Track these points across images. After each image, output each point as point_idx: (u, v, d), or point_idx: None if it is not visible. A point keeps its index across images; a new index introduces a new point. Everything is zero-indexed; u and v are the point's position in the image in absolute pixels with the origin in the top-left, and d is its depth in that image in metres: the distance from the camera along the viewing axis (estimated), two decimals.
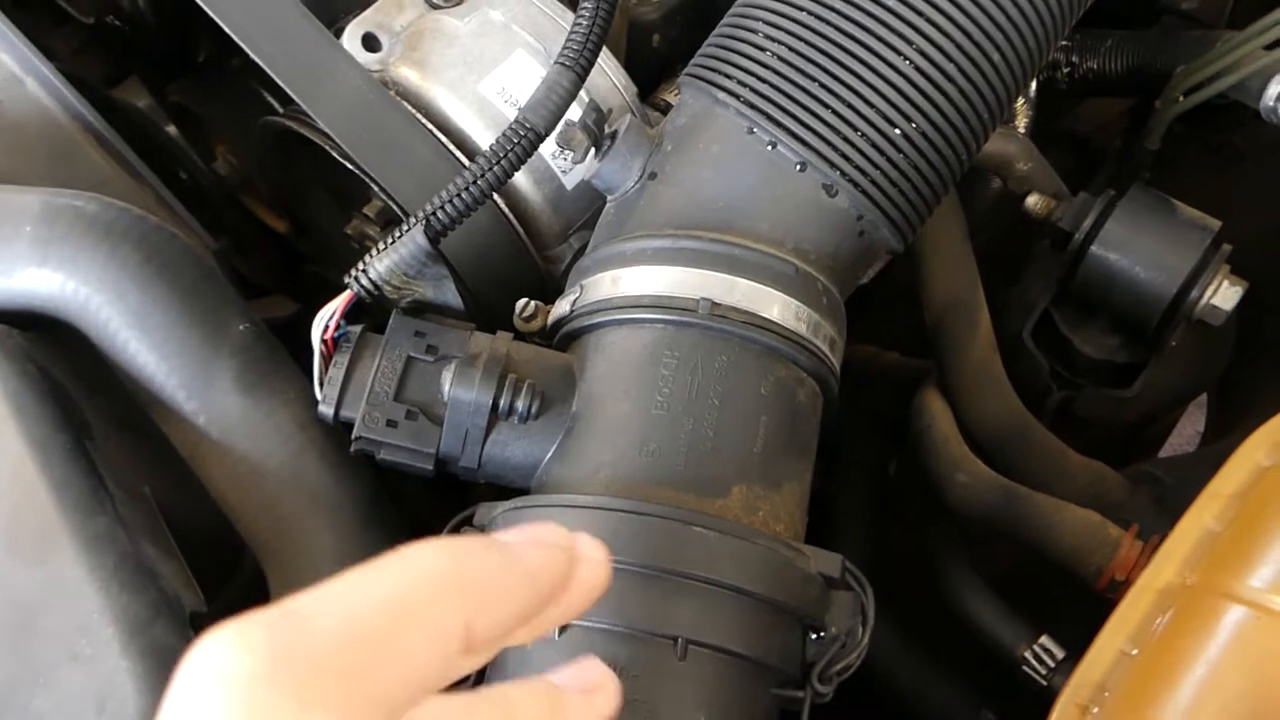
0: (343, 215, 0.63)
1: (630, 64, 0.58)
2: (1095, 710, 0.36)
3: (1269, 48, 0.61)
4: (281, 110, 0.60)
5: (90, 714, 0.34)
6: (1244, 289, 0.57)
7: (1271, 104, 0.60)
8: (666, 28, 0.61)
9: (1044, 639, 0.46)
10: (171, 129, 0.69)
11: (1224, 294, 0.57)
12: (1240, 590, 0.36)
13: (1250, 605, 0.36)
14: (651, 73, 0.61)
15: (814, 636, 0.40)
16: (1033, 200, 0.63)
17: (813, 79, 0.43)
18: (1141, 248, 0.57)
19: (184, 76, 0.68)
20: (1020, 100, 0.70)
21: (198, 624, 0.38)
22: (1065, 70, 0.75)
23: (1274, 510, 0.38)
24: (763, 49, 0.44)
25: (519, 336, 0.46)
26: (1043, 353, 0.63)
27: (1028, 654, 0.47)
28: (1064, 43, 0.74)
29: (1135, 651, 0.37)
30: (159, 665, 0.35)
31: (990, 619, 0.50)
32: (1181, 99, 0.66)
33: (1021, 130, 0.71)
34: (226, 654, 0.23)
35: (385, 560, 0.26)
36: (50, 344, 0.44)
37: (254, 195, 0.72)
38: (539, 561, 0.28)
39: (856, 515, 0.60)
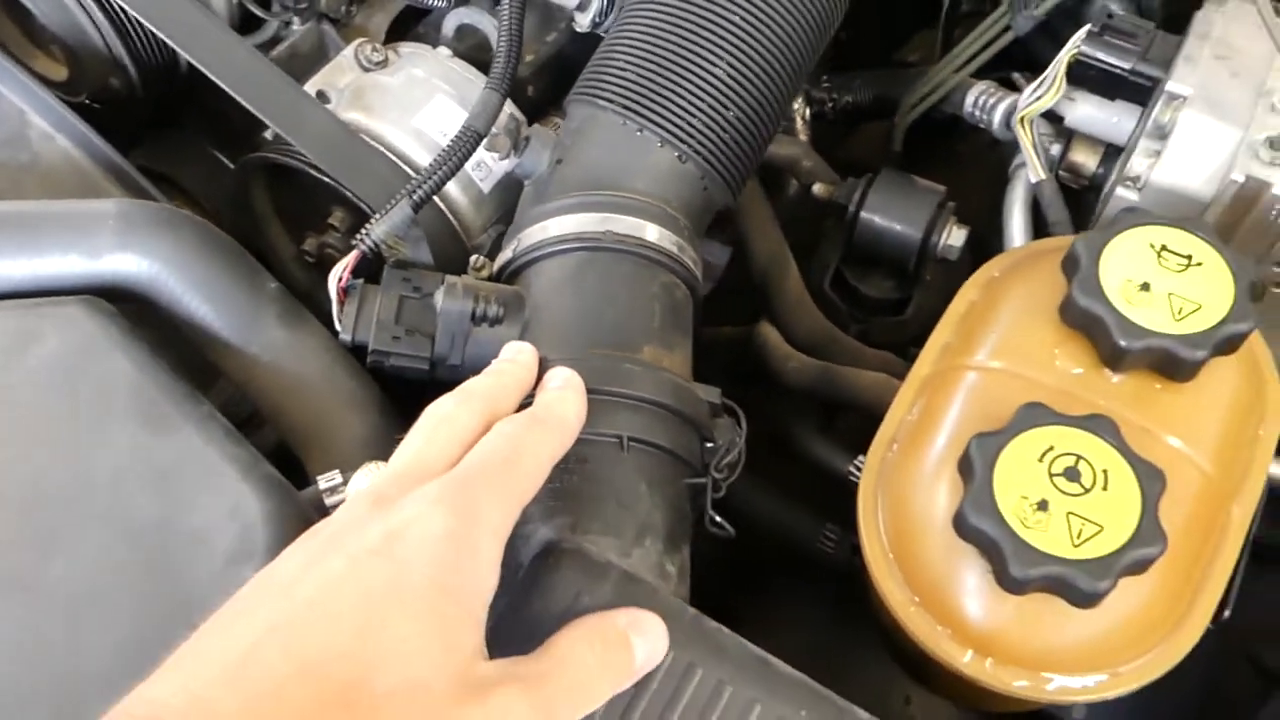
0: (295, 240, 0.79)
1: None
2: (890, 454, 0.57)
3: (958, 71, 0.87)
4: (231, 159, 0.76)
5: (227, 520, 0.49)
6: (968, 231, 0.81)
7: (970, 110, 0.86)
8: (537, 81, 0.82)
9: (860, 457, 0.66)
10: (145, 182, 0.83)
11: (955, 235, 0.81)
12: (970, 363, 0.57)
13: (978, 369, 0.57)
14: (529, 114, 0.81)
15: (707, 445, 0.59)
16: (818, 188, 0.86)
17: (663, 85, 0.64)
18: (894, 209, 0.81)
19: (141, 144, 0.83)
20: (801, 122, 0.94)
21: None
22: (830, 105, 1.00)
23: (984, 319, 0.59)
24: (625, 70, 0.65)
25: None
26: (839, 298, 0.86)
27: (851, 467, 0.67)
28: (825, 84, 1.00)
29: (909, 417, 0.58)
30: (269, 486, 0.51)
31: (824, 450, 0.71)
32: (910, 113, 0.91)
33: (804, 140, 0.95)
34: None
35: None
36: (129, 314, 0.59)
37: None
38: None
39: None
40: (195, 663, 0.38)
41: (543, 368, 0.55)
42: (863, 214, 0.81)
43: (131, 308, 0.59)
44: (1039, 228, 0.77)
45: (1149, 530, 0.47)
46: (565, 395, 0.51)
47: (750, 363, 0.78)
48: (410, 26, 0.85)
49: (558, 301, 0.60)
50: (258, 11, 0.76)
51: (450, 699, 0.38)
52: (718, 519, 0.57)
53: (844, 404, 0.71)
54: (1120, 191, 0.67)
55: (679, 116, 0.64)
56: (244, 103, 0.66)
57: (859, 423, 0.68)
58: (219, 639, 0.39)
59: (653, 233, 0.62)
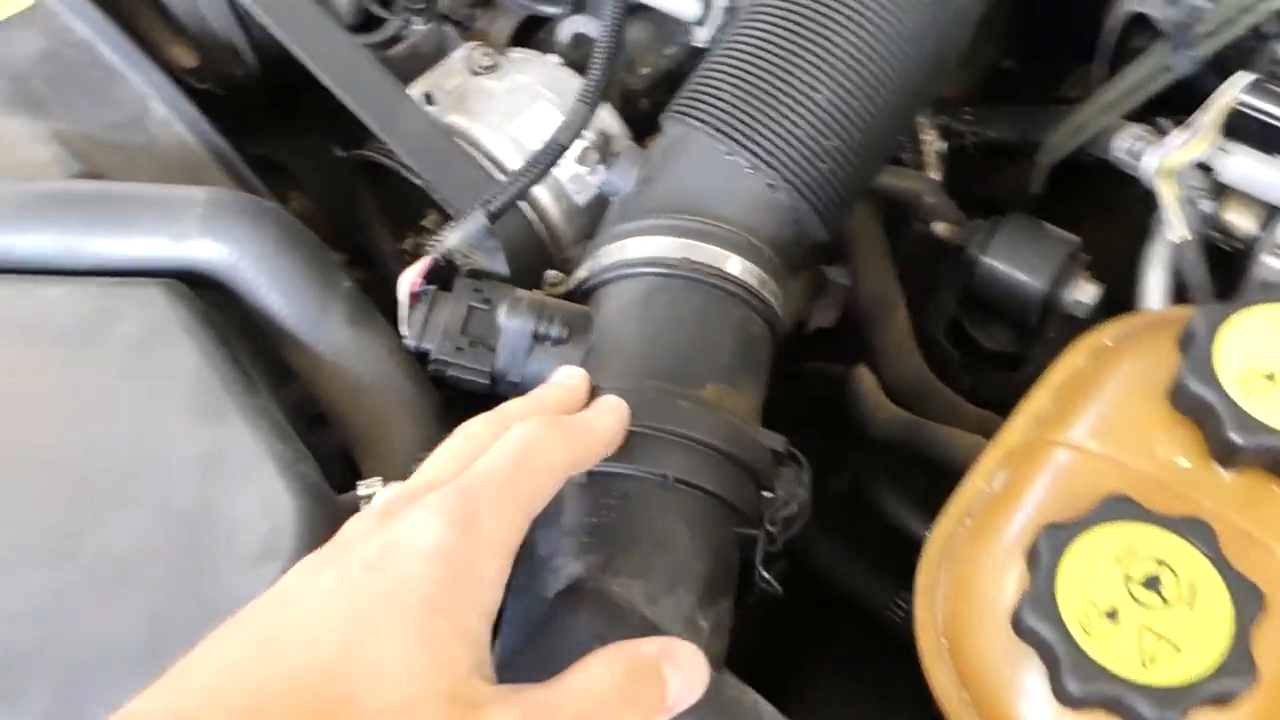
0: (397, 237, 0.80)
1: (625, 120, 0.77)
2: (960, 530, 0.52)
3: (1110, 111, 0.80)
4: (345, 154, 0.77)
5: (260, 516, 0.49)
6: (1101, 289, 0.75)
7: (1118, 155, 0.79)
8: (651, 94, 0.80)
9: None
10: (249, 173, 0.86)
11: (1085, 291, 0.75)
12: (1063, 439, 0.52)
13: (1070, 447, 0.51)
14: (641, 128, 0.79)
15: (765, 495, 0.55)
16: (939, 227, 0.80)
17: (759, 109, 0.61)
18: (1019, 256, 0.75)
19: (263, 134, 0.85)
20: (932, 156, 0.89)
21: None
22: (971, 139, 0.94)
23: (1085, 390, 0.54)
24: (722, 89, 0.62)
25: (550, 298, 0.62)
26: (954, 348, 0.80)
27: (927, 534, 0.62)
28: (968, 117, 0.94)
29: (987, 489, 0.53)
30: (305, 487, 0.50)
31: (902, 512, 0.66)
32: (1052, 154, 0.84)
33: (935, 178, 0.89)
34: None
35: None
36: (205, 298, 0.60)
37: (319, 233, 0.88)
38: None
39: None
40: (184, 677, 0.37)
41: (594, 395, 0.53)
42: (984, 259, 0.76)
43: (216, 295, 0.60)
44: (1181, 293, 0.70)
45: (1236, 661, 0.41)
46: (600, 413, 0.48)
47: (844, 408, 0.74)
48: (533, 34, 0.85)
49: (623, 327, 0.58)
50: (377, 10, 0.76)
51: (439, 718, 0.36)
52: (766, 575, 0.54)
53: (932, 463, 0.66)
54: (1267, 259, 0.60)
55: (772, 141, 0.60)
56: (342, 98, 0.66)
57: (948, 485, 0.63)
58: (211, 653, 0.38)
59: (733, 264, 0.59)
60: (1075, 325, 0.77)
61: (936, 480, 0.72)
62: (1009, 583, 0.48)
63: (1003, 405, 0.76)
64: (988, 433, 0.67)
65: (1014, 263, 0.75)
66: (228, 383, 0.54)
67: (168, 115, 0.70)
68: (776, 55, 0.62)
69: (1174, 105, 0.81)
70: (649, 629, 0.47)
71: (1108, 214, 0.92)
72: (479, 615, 0.39)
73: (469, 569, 0.39)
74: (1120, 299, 0.76)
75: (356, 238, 0.83)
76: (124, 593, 0.48)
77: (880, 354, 0.74)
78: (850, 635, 0.69)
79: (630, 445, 0.52)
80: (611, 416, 0.49)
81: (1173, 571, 0.43)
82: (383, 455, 0.58)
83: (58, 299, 0.57)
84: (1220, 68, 0.75)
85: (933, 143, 0.89)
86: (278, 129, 0.84)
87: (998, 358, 0.79)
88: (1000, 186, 1.00)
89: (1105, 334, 0.57)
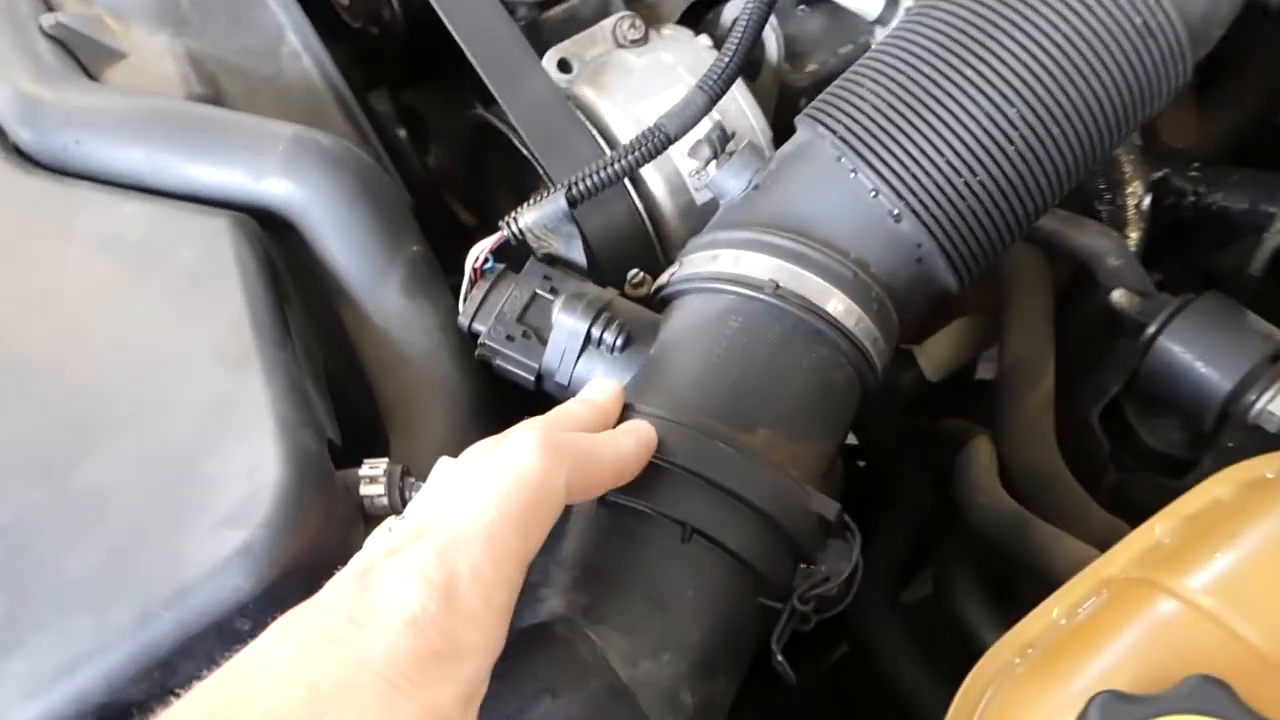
0: (516, 201, 0.76)
1: (778, 120, 0.69)
2: (1018, 662, 0.43)
3: None
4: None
5: (243, 476, 0.46)
6: None
7: None
8: (813, 94, 0.72)
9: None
10: (401, 132, 0.84)
11: (1279, 403, 0.62)
12: (1174, 586, 0.42)
13: (1181, 599, 0.41)
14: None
15: (804, 567, 0.48)
16: (1118, 294, 0.69)
17: (896, 125, 0.52)
18: (1204, 344, 0.62)
19: (415, 84, 0.83)
20: (1133, 211, 0.76)
21: (331, 448, 0.50)
22: (1191, 199, 0.81)
23: (1218, 530, 0.43)
24: (863, 98, 0.54)
25: (626, 298, 0.56)
26: (1108, 438, 0.68)
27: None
28: (1194, 173, 0.81)
29: (1064, 621, 0.43)
30: (296, 454, 0.47)
31: (977, 618, 0.56)
32: None
33: (1133, 239, 0.77)
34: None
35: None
36: (275, 236, 0.57)
37: (453, 191, 0.86)
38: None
39: (893, 538, 0.67)
40: None
41: (626, 416, 0.47)
42: (1161, 339, 0.64)
43: (286, 236, 0.57)
44: None
45: None
46: (615, 437, 0.43)
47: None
48: (706, 12, 0.78)
49: (686, 346, 0.51)
50: None
51: None
52: (780, 659, 0.46)
53: (1030, 570, 0.56)
54: None
55: (904, 164, 0.52)
56: (467, 53, 0.63)
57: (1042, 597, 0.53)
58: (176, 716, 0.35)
59: (830, 298, 0.51)
60: (1264, 439, 0.64)
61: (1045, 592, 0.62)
62: None
63: (1149, 515, 0.64)
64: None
65: (1198, 351, 0.63)
66: (260, 330, 0.51)
67: (299, 49, 0.68)
68: (931, 66, 0.53)
69: None
70: (609, 696, 0.41)
71: None
72: (453, 692, 0.35)
73: (444, 642, 0.35)
74: None
75: (483, 202, 0.80)
76: (94, 528, 0.46)
77: (1008, 428, 0.64)
78: None
79: (651, 481, 0.45)
80: (629, 444, 0.43)
81: None
82: (411, 435, 0.54)
83: (134, 216, 0.57)
84: None
85: (1138, 195, 0.77)
86: (430, 84, 0.82)
87: (1159, 458, 0.67)
88: (1217, 263, 0.87)
89: (1268, 465, 0.46)
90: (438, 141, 0.82)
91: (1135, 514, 0.65)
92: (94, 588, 0.45)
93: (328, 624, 0.36)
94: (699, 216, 0.65)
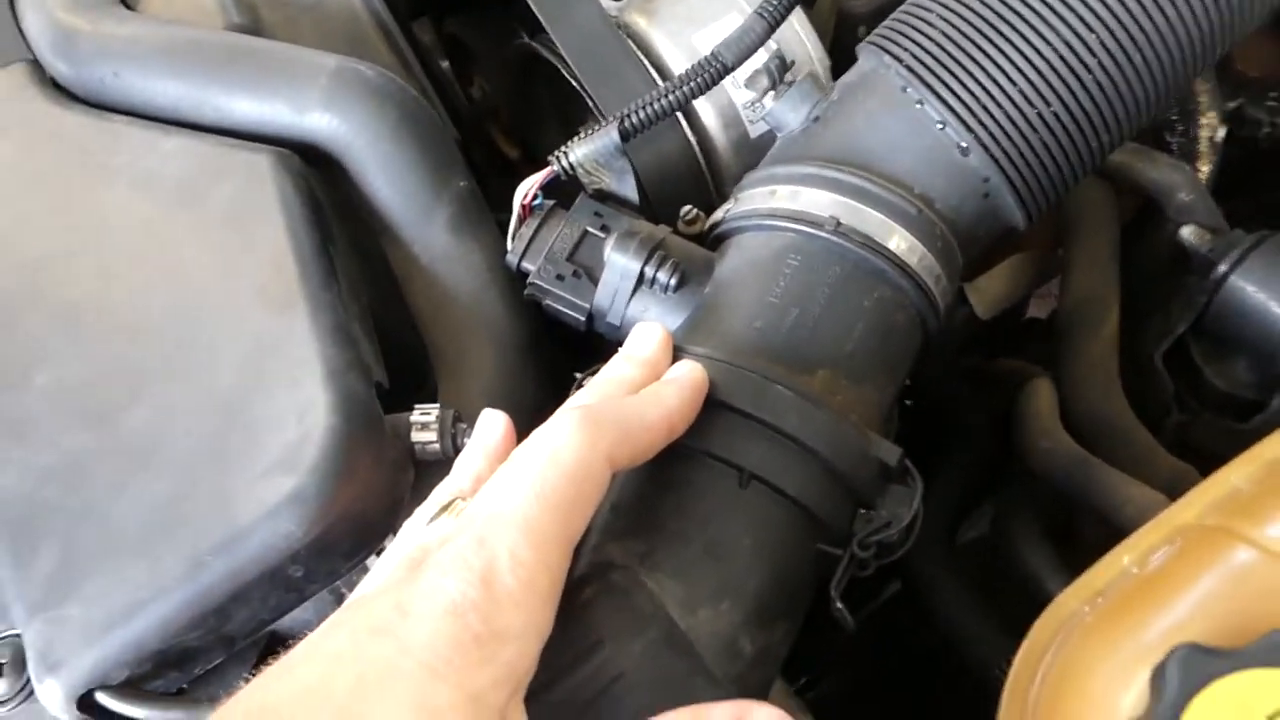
0: (565, 139, 0.74)
1: (836, 49, 0.67)
2: (1087, 610, 0.41)
3: None
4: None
5: (292, 421, 0.45)
6: None
7: None
8: (874, 22, 0.69)
9: None
10: (445, 63, 0.82)
11: None
12: (1251, 534, 0.40)
13: (1257, 546, 0.39)
14: (854, 59, 0.69)
15: (863, 512, 0.46)
16: (1188, 230, 0.66)
17: (966, 53, 0.50)
18: (1277, 283, 0.60)
19: (459, 13, 0.81)
20: (1205, 144, 0.73)
21: (380, 391, 0.49)
22: (1268, 129, 0.77)
23: None
24: (931, 24, 0.51)
25: (679, 235, 0.54)
26: (1173, 379, 0.66)
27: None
28: (1272, 101, 0.77)
29: (1136, 570, 0.42)
30: (346, 399, 0.46)
31: (1041, 565, 0.55)
32: None
33: (1204, 173, 0.74)
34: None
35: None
36: (318, 173, 0.56)
37: (496, 123, 0.84)
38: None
39: (949, 482, 0.65)
40: None
41: (679, 359, 0.46)
42: (1233, 278, 0.61)
43: (329, 172, 0.56)
44: None
45: None
46: (660, 393, 0.42)
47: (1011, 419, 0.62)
48: None
49: (742, 285, 0.49)
50: None
51: None
52: (839, 605, 0.45)
53: (1095, 515, 0.54)
54: None
55: (974, 94, 0.49)
56: None
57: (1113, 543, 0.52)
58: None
59: (893, 235, 0.49)
60: None
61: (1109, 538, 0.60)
62: (1124, 700, 0.37)
63: (1215, 459, 0.62)
64: (1179, 494, 0.55)
65: (1272, 290, 0.60)
66: (305, 270, 0.50)
67: None
68: None
69: None
70: (667, 645, 0.40)
71: None
72: (493, 675, 0.35)
73: (484, 626, 0.35)
74: None
75: (528, 133, 0.78)
76: (143, 473, 0.46)
77: (1070, 369, 0.62)
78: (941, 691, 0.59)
79: (709, 424, 0.44)
80: (675, 398, 0.42)
81: None
82: (457, 377, 0.53)
83: (174, 153, 0.55)
84: None
85: (1212, 127, 0.74)
86: (474, 9, 0.79)
87: (1225, 400, 0.64)
88: None
89: None
90: (482, 72, 0.80)
91: (1199, 458, 0.63)
92: (146, 534, 0.44)
93: (376, 614, 0.36)
94: (753, 150, 0.63)
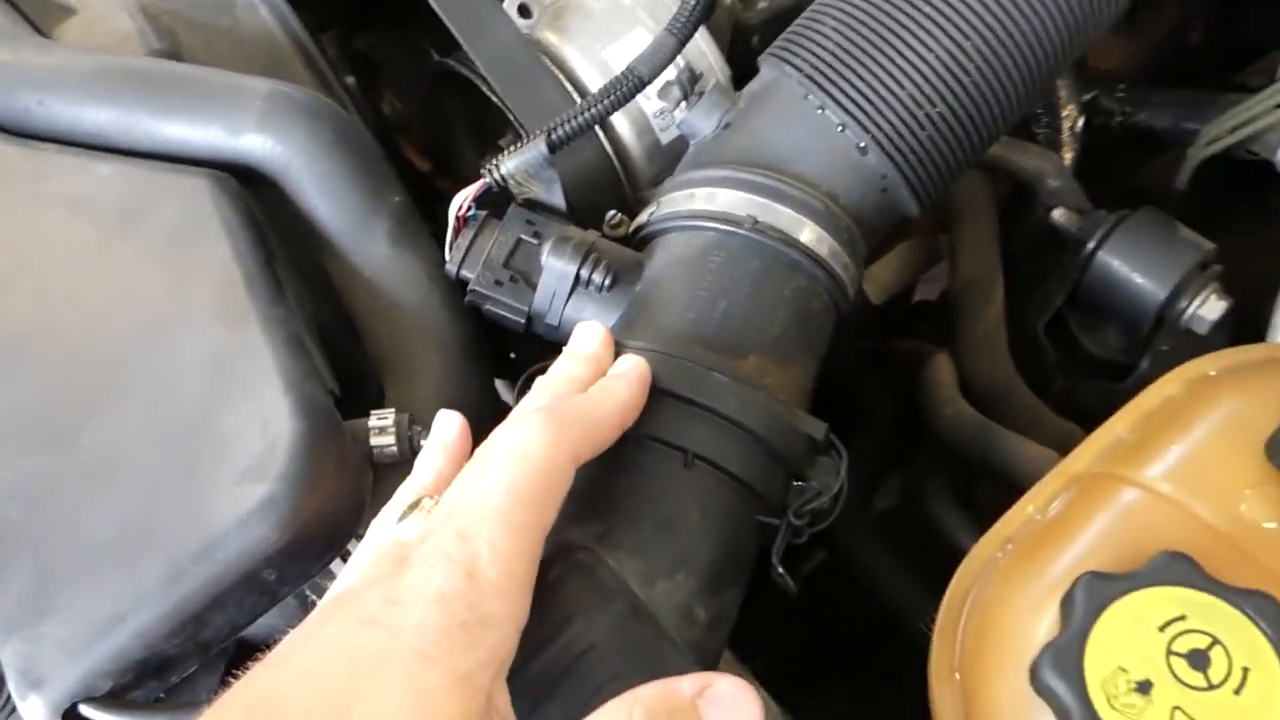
0: (478, 153, 0.77)
1: (732, 57, 0.71)
2: (1000, 556, 0.47)
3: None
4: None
5: (257, 431, 0.47)
6: (1229, 304, 0.67)
7: None
8: (765, 31, 0.74)
9: None
10: (350, 79, 0.84)
11: (1210, 306, 0.67)
12: (1134, 476, 0.46)
13: (1140, 486, 0.45)
14: (749, 67, 0.73)
15: (796, 484, 0.51)
16: (1059, 213, 0.73)
17: (859, 62, 0.55)
18: (1139, 257, 0.67)
19: (367, 29, 0.83)
20: (1068, 133, 0.81)
21: (334, 400, 0.51)
22: (1119, 119, 0.85)
23: (1171, 424, 0.47)
24: (826, 35, 0.56)
25: (606, 239, 0.58)
26: (1054, 347, 0.73)
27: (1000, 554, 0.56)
28: (1120, 93, 0.85)
29: (1039, 517, 0.47)
30: (306, 407, 0.48)
31: (954, 523, 0.61)
32: (1206, 147, 0.75)
33: (1068, 159, 0.81)
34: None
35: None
36: (253, 193, 0.58)
37: (407, 137, 0.86)
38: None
39: (860, 457, 0.70)
40: None
41: (621, 353, 0.49)
42: (1101, 254, 0.68)
43: (266, 192, 0.58)
44: None
45: None
46: (611, 387, 0.45)
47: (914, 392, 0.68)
48: None
49: (671, 281, 0.54)
50: None
51: None
52: (780, 570, 0.50)
53: (996, 474, 0.60)
54: None
55: (869, 99, 0.54)
56: (432, 1, 0.63)
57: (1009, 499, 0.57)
58: (219, 710, 0.37)
59: (804, 230, 0.54)
60: (1195, 342, 0.69)
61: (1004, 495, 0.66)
62: (1039, 628, 0.43)
63: (1095, 417, 0.69)
64: (1067, 449, 0.61)
65: (1134, 263, 0.67)
66: (253, 287, 0.52)
67: (256, 1, 0.67)
68: (890, 4, 0.55)
69: None
70: (633, 614, 0.44)
71: (1262, 224, 0.82)
72: (480, 658, 0.38)
73: (470, 613, 0.38)
74: (1255, 321, 0.68)
75: (441, 146, 0.81)
76: (111, 488, 0.47)
77: (964, 344, 0.68)
78: (864, 649, 0.64)
79: (652, 411, 0.48)
80: (625, 391, 0.46)
81: (1225, 650, 0.37)
82: (406, 383, 0.56)
83: (108, 178, 0.56)
84: None
85: (1072, 117, 0.81)
86: (384, 27, 0.81)
87: (1101, 365, 0.72)
88: (1145, 179, 0.91)
89: (1211, 364, 0.50)
90: (392, 88, 0.82)
91: (1083, 418, 0.70)
92: (120, 547, 0.46)
93: (366, 606, 0.38)
94: (665, 155, 0.67)
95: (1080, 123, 0.81)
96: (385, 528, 0.45)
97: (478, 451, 0.44)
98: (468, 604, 0.38)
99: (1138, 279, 0.67)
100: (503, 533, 0.40)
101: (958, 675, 0.45)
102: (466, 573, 0.38)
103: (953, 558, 0.60)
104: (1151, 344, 0.69)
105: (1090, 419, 0.71)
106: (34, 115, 0.59)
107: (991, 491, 0.65)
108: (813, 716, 0.45)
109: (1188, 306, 0.66)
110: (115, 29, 0.65)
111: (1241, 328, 0.69)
